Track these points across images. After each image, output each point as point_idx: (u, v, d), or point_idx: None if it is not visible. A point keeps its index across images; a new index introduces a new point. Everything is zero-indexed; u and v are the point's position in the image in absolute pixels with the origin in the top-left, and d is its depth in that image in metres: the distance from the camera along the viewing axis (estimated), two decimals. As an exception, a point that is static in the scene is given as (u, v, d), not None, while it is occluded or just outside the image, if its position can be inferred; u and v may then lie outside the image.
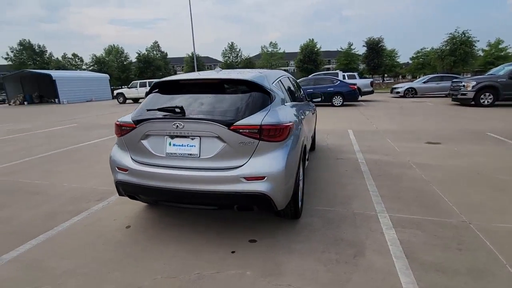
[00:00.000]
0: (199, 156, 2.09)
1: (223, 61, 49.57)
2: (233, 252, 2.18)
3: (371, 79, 19.28)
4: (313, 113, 4.23)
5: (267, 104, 2.25)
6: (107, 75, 29.56)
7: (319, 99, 4.26)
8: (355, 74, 16.81)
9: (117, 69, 43.25)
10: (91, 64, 44.03)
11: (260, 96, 2.28)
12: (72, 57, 47.63)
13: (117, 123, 2.38)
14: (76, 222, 2.76)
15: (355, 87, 12.69)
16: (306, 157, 3.06)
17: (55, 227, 2.66)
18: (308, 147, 3.27)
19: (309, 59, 40.72)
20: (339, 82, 12.78)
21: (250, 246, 2.24)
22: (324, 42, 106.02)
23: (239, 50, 49.34)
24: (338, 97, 12.50)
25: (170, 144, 2.16)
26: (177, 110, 2.09)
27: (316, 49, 42.18)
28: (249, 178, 2.05)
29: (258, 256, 2.11)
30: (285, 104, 2.63)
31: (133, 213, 2.88)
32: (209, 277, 1.90)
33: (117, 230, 2.57)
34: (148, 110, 2.28)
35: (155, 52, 49.69)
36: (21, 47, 42.38)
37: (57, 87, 23.65)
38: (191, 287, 1.82)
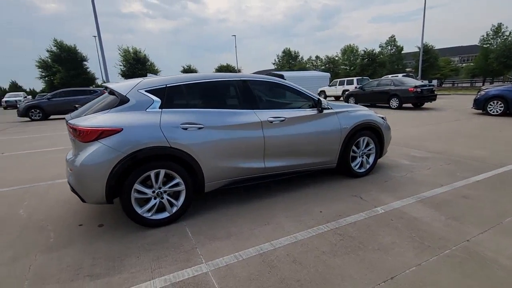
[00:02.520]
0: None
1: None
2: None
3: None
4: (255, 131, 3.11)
5: (108, 108, 2.65)
6: (327, 74, 33.24)
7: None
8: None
9: (345, 66, 46.63)
10: (325, 63, 50.41)
11: (112, 99, 2.74)
12: (315, 58, 56.95)
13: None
14: None
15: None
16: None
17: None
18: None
19: None
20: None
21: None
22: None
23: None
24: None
25: None
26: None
27: None
28: (71, 169, 2.62)
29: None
30: (153, 109, 2.70)
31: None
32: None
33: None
34: None
35: (389, 47, 47.97)
36: (283, 54, 56.37)
37: (286, 85, 30.32)
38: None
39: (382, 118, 4.18)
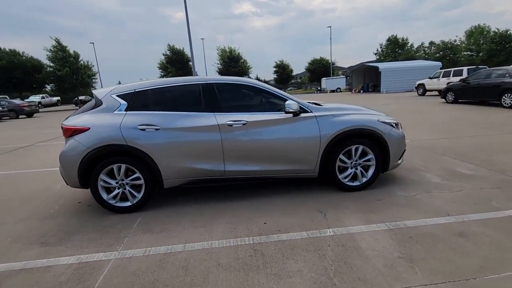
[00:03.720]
0: None
1: None
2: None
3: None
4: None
5: (88, 110, 3.20)
6: (438, 63, 28.04)
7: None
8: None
9: (470, 52, 38.12)
10: (441, 49, 42.41)
11: (92, 103, 3.25)
12: (428, 45, 48.64)
13: None
14: None
15: None
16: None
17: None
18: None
19: None
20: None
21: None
22: None
23: None
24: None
25: None
26: None
27: None
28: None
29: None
30: (119, 112, 3.10)
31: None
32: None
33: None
34: None
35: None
36: (388, 42, 50.42)
37: (381, 77, 27.20)
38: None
39: (392, 124, 3.47)
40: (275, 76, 46.70)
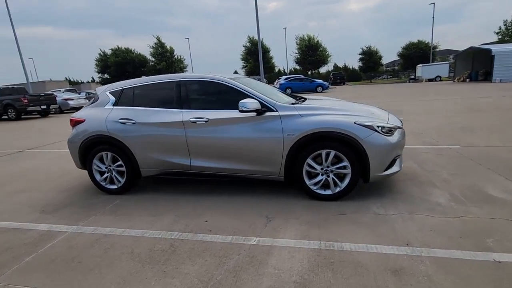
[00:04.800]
0: None
1: None
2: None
3: None
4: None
5: (90, 104, 3.78)
6: None
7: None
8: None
9: None
10: None
11: (94, 98, 3.80)
12: None
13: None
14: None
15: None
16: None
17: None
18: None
19: None
20: None
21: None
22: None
23: None
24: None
25: None
26: None
27: None
28: None
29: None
30: (108, 106, 3.58)
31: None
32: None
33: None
34: None
35: None
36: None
37: (494, 63, 21.89)
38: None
39: (375, 127, 2.91)
40: (360, 64, 42.76)
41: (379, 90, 22.29)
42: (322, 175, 3.05)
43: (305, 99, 3.95)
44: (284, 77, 28.40)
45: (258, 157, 3.13)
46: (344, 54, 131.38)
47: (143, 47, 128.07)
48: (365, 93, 20.10)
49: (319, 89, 24.89)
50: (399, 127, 3.19)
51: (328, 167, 3.01)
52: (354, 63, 60.78)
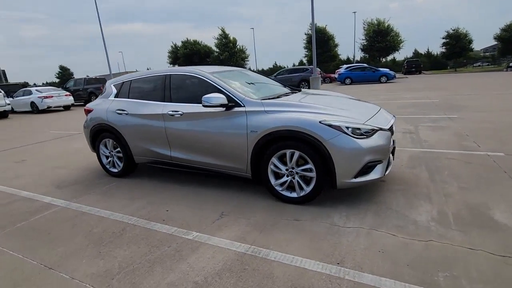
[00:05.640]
0: None
1: None
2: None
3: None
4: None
5: (101, 95, 4.22)
6: None
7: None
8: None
9: None
10: None
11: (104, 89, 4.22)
12: None
13: None
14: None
15: None
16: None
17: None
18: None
19: None
20: None
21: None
22: None
23: None
24: None
25: None
26: None
27: None
28: None
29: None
30: (111, 98, 3.96)
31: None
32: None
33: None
34: None
35: None
36: None
37: None
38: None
39: (342, 128, 2.57)
40: (443, 50, 36.90)
41: (459, 80, 19.07)
42: (287, 176, 2.87)
43: (299, 91, 3.77)
44: (345, 66, 26.64)
45: (225, 152, 3.11)
46: (427, 39, 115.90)
47: (211, 38, 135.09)
48: (436, 84, 17.45)
49: (383, 79, 22.61)
50: (381, 129, 2.76)
51: (293, 168, 2.81)
52: (435, 48, 53.21)
